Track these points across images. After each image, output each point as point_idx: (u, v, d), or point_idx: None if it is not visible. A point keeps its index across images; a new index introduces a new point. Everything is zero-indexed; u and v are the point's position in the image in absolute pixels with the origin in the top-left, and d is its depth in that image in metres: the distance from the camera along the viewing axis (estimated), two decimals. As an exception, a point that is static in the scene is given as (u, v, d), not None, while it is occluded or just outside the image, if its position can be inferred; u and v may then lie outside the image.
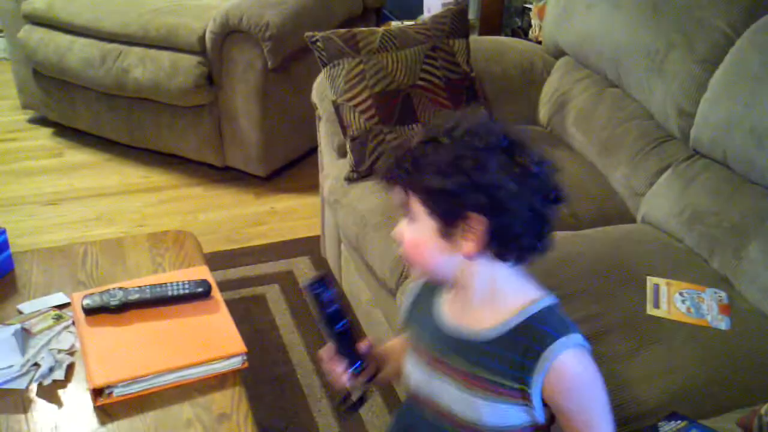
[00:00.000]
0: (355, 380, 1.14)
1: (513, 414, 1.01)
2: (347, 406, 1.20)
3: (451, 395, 1.04)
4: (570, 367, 0.97)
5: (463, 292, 1.04)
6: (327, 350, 1.14)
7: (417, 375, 1.09)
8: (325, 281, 1.11)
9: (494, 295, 1.02)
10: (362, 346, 1.15)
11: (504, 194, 0.93)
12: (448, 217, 0.96)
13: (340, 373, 1.13)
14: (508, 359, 0.99)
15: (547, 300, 1.03)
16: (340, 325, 1.12)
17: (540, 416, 1.00)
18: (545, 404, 1.00)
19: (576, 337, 0.99)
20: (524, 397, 0.99)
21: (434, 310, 1.09)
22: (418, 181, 0.97)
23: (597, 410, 1.01)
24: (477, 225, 0.95)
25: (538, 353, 0.96)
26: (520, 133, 0.99)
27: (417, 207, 0.98)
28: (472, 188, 0.94)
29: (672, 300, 1.52)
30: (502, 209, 0.94)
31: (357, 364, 1.13)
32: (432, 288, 1.11)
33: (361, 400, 1.20)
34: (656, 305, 1.51)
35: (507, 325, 1.00)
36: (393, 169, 1.00)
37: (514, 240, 0.97)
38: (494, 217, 0.94)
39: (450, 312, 1.07)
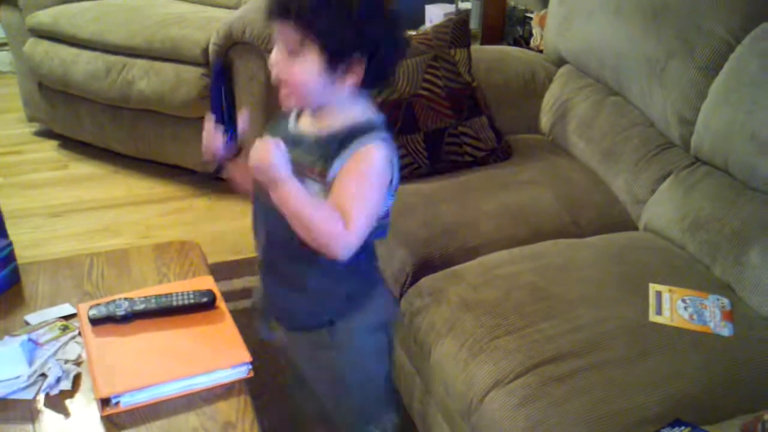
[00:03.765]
0: (225, 146, 1.28)
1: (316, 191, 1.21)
2: (209, 170, 1.39)
3: None
4: (367, 151, 1.18)
5: (318, 110, 1.24)
6: (210, 118, 1.27)
7: None
8: (230, 66, 1.35)
9: (343, 110, 1.22)
10: (241, 118, 1.30)
11: (385, 44, 1.16)
12: (339, 58, 1.14)
13: (217, 136, 1.26)
14: (329, 149, 1.20)
15: (374, 117, 1.24)
16: (230, 99, 1.27)
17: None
18: None
19: (381, 134, 1.21)
20: (322, 177, 1.20)
21: (284, 122, 1.30)
22: (316, 23, 1.11)
23: (361, 189, 1.19)
24: (358, 66, 1.16)
25: (349, 145, 1.18)
26: None
27: (306, 45, 1.14)
28: (364, 37, 1.14)
29: (674, 307, 1.53)
30: (379, 56, 1.16)
31: (231, 131, 1.28)
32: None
33: (218, 170, 1.37)
34: (659, 312, 1.52)
35: (342, 127, 1.21)
36: (289, 7, 1.12)
37: (382, 75, 1.21)
38: (371, 62, 1.16)
39: (300, 121, 1.28)
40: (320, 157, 1.21)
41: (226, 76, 1.29)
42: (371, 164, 1.20)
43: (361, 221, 1.19)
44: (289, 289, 1.39)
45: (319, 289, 1.35)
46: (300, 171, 1.19)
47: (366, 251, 1.32)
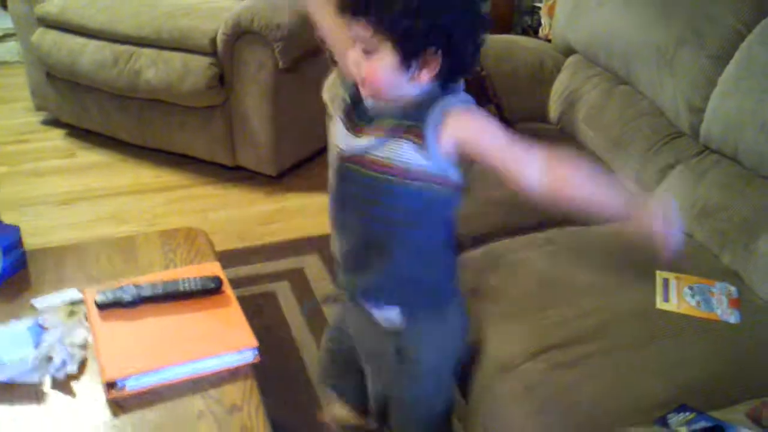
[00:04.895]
0: None
1: (410, 151, 1.16)
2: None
3: (371, 144, 1.20)
4: (459, 109, 1.15)
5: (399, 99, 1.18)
6: None
7: (347, 140, 1.24)
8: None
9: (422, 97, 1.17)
10: None
11: (459, 35, 1.10)
12: (412, 53, 1.11)
13: None
14: (409, 113, 1.16)
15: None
16: None
17: (437, 165, 1.16)
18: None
19: (466, 97, 1.17)
20: (419, 137, 1.15)
21: (360, 103, 1.24)
22: (389, 19, 1.08)
23: (503, 142, 1.16)
24: (433, 60, 1.11)
25: (430, 111, 1.14)
26: None
27: (380, 41, 1.10)
28: (435, 30, 1.08)
29: (681, 294, 1.52)
30: (455, 48, 1.11)
31: None
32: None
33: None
34: (666, 299, 1.51)
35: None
36: (358, 3, 1.10)
37: (460, 71, 1.16)
38: (447, 55, 1.11)
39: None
40: (410, 118, 1.17)
41: None
42: (474, 117, 1.18)
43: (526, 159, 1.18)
44: (374, 269, 1.30)
45: (400, 273, 1.29)
46: (396, 134, 1.17)
47: (447, 245, 1.31)
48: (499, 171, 1.18)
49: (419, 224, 1.24)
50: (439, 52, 1.11)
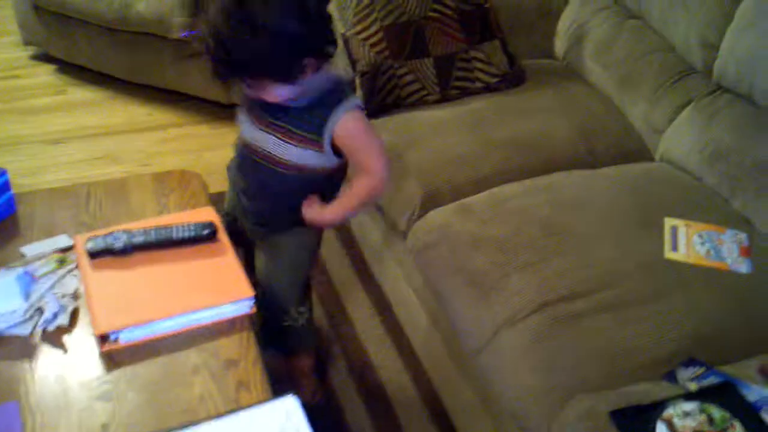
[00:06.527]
0: None
1: (311, 156, 1.46)
2: None
3: (273, 143, 1.47)
4: (347, 123, 1.42)
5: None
6: None
7: (251, 132, 1.51)
8: None
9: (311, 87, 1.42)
10: None
11: (314, 41, 1.34)
12: (289, 75, 1.35)
13: None
14: (308, 120, 1.43)
15: (336, 81, 1.45)
16: None
17: (329, 160, 1.47)
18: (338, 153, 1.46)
19: (353, 101, 1.43)
20: (319, 147, 1.45)
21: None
22: (257, 75, 1.35)
23: (369, 151, 1.46)
24: (308, 63, 1.35)
25: (327, 116, 1.41)
26: None
27: (264, 81, 1.36)
28: (290, 57, 1.32)
29: (691, 242, 1.48)
30: (314, 46, 1.35)
31: None
32: None
33: None
34: (674, 248, 1.46)
35: (311, 98, 1.43)
36: (229, 69, 1.37)
37: (328, 56, 1.39)
38: (314, 55, 1.35)
39: None
40: (309, 128, 1.44)
41: None
42: (359, 127, 1.44)
43: (377, 163, 1.45)
44: (272, 206, 1.61)
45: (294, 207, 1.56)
46: (291, 137, 1.45)
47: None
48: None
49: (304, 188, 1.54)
50: (309, 58, 1.35)
